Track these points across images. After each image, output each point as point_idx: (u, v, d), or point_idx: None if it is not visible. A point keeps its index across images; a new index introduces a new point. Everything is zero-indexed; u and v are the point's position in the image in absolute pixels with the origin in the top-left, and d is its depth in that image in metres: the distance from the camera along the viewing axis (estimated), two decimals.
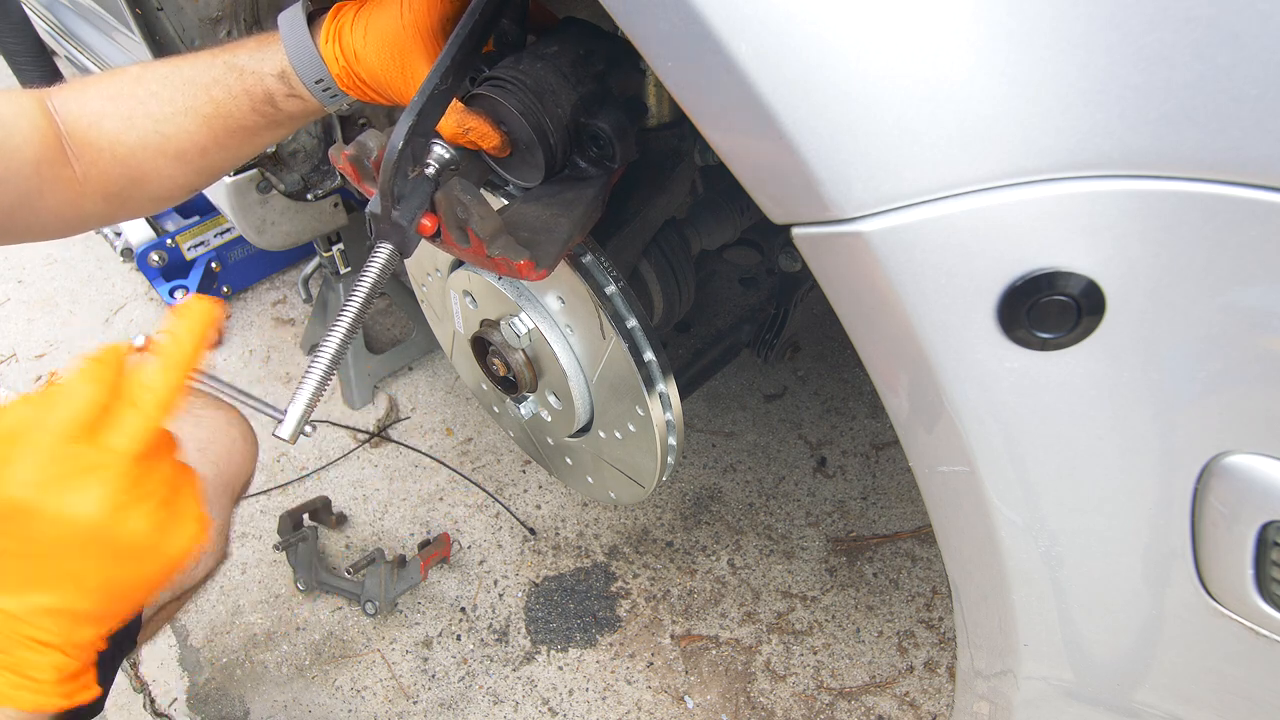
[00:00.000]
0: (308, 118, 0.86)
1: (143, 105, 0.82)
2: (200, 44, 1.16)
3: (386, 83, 0.78)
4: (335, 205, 1.58)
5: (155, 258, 1.97)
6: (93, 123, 0.81)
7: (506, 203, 0.85)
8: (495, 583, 1.58)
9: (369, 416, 1.89)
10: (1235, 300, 0.43)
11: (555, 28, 0.84)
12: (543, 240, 0.77)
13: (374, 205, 0.70)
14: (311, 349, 0.64)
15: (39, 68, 1.64)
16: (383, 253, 0.70)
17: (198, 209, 2.08)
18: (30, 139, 0.78)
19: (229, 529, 1.03)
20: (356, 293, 0.67)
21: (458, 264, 1.05)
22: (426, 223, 0.71)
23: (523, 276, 0.74)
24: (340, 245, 1.76)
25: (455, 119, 0.78)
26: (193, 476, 0.58)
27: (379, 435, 1.85)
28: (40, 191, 0.79)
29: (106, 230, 2.12)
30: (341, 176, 1.49)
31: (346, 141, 1.40)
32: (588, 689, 1.42)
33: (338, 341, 0.65)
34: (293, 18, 0.80)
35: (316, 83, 0.80)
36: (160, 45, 1.15)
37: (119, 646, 0.91)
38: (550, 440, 1.13)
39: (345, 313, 0.66)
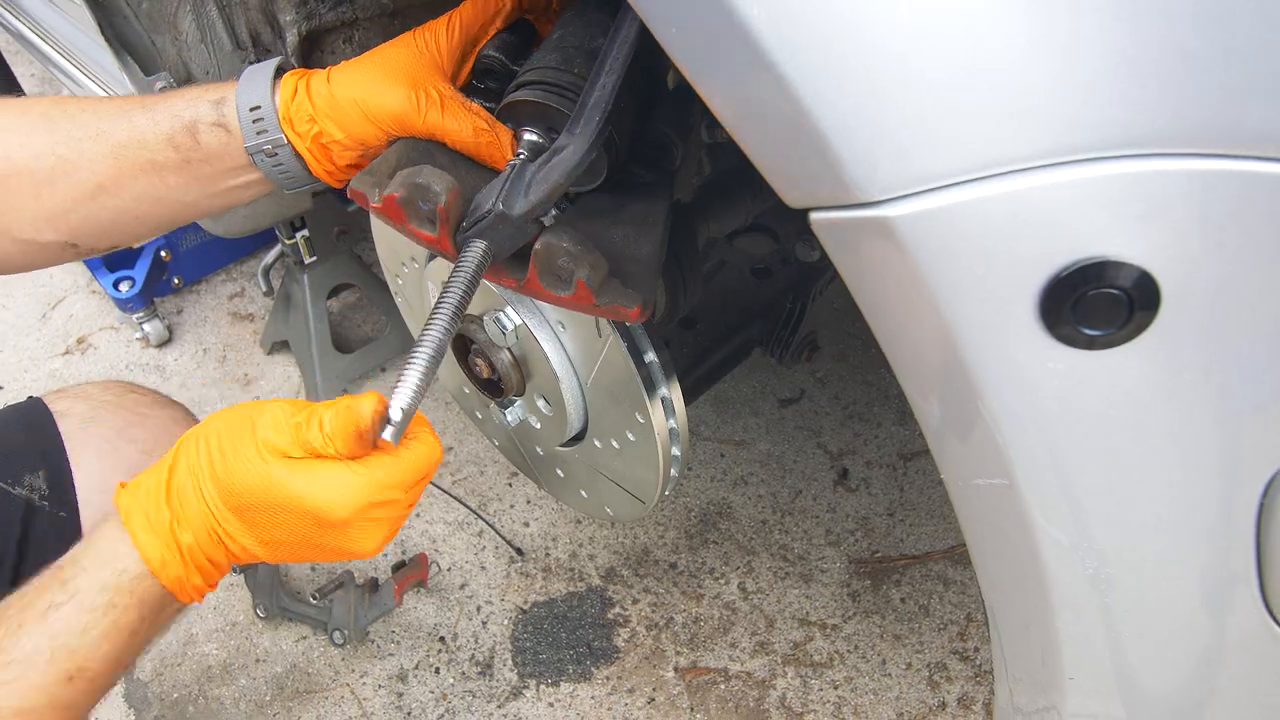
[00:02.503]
0: (223, 173, 0.81)
1: (49, 119, 0.79)
2: (147, 6, 1.16)
3: (376, 107, 0.76)
4: None
5: None
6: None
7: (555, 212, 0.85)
8: (478, 609, 1.58)
9: None
10: None
11: (574, 12, 0.84)
12: (634, 271, 0.76)
13: (499, 202, 0.71)
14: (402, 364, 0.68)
15: None
16: (477, 249, 0.70)
17: None
18: None
19: None
20: (451, 292, 0.69)
21: (433, 256, 1.05)
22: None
23: (633, 321, 0.75)
24: (305, 232, 1.76)
25: (472, 128, 0.77)
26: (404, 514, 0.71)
27: None
28: None
29: None
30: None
31: None
32: None
33: (436, 338, 0.67)
34: (265, 63, 0.79)
35: (251, 109, 0.77)
36: (103, 7, 1.15)
37: None
38: (540, 450, 1.13)
39: (440, 312, 0.68)
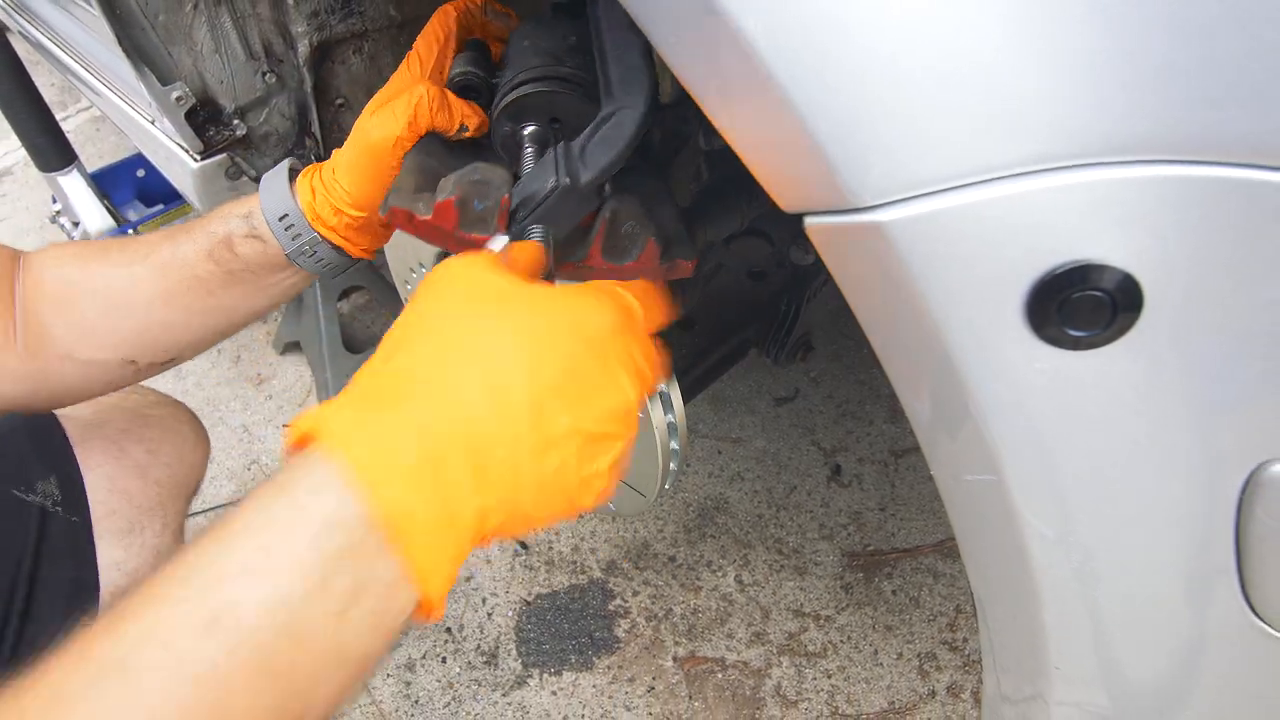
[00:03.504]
0: (264, 275, 0.81)
1: (103, 251, 0.82)
2: (164, 19, 1.16)
3: (381, 159, 0.76)
4: None
5: None
6: (49, 268, 0.80)
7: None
8: (484, 601, 1.58)
9: None
10: None
11: (532, 23, 0.84)
12: (658, 231, 0.74)
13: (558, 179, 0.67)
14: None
15: None
16: (537, 234, 0.68)
17: (162, 197, 2.08)
18: None
19: (184, 534, 1.04)
20: None
21: (443, 256, 1.05)
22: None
23: (686, 274, 0.75)
24: None
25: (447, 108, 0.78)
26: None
27: None
28: None
29: (63, 220, 2.12)
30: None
31: (323, 125, 1.40)
32: (584, 715, 1.42)
33: None
34: (276, 169, 0.81)
35: (280, 219, 0.79)
36: (121, 19, 1.15)
37: None
38: None
39: None
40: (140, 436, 0.99)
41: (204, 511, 1.76)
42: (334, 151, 0.80)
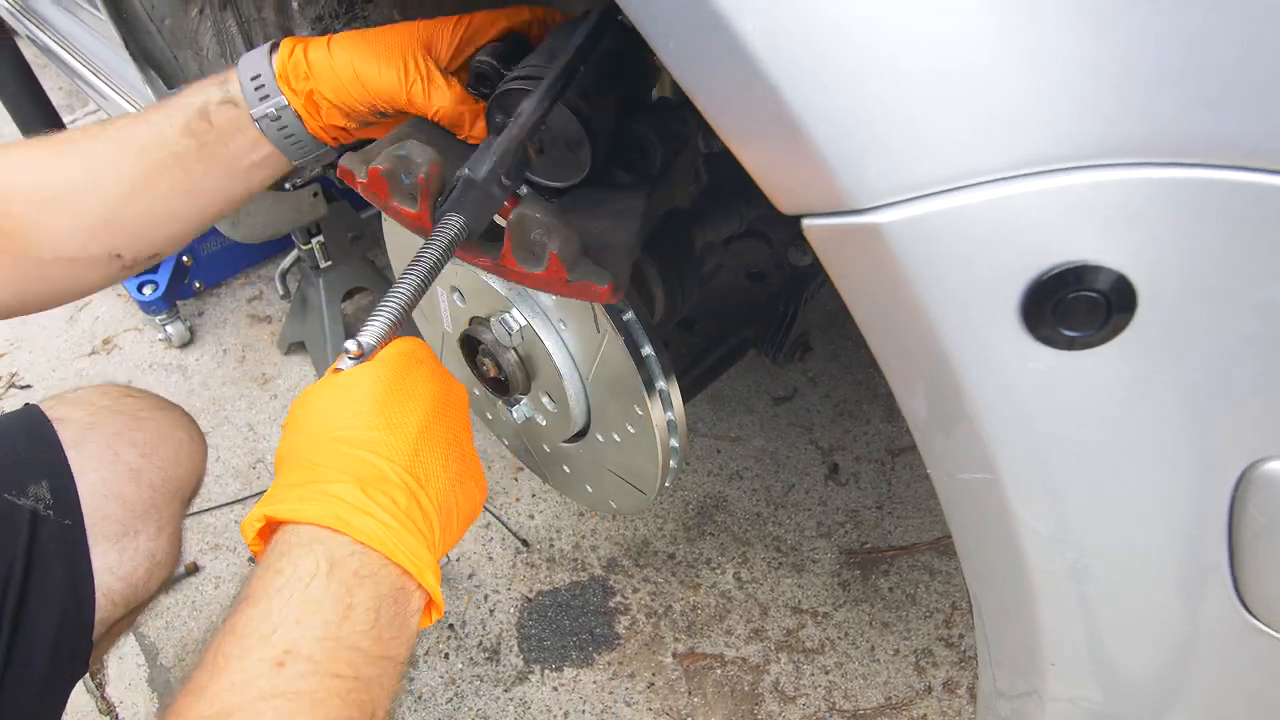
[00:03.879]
0: (239, 150, 0.82)
1: (76, 141, 0.80)
2: (170, 23, 1.16)
3: (367, 77, 0.77)
4: (315, 195, 1.58)
5: None
6: (21, 165, 0.79)
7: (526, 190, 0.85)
8: (486, 598, 1.58)
9: None
10: (1275, 296, 0.43)
11: (576, 20, 0.84)
12: (609, 255, 0.75)
13: (473, 169, 0.69)
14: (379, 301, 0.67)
15: None
16: (452, 221, 0.68)
17: None
18: None
19: (179, 537, 1.03)
20: (422, 261, 0.67)
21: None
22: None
23: (603, 301, 0.73)
24: (320, 238, 1.76)
25: (453, 98, 0.78)
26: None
27: None
28: None
29: None
30: (344, 191, 1.48)
31: None
32: (584, 711, 1.42)
33: (408, 289, 0.65)
34: (257, 50, 0.80)
35: (253, 79, 0.78)
36: (127, 23, 1.15)
37: (69, 670, 0.90)
38: (546, 446, 1.13)
39: (410, 273, 0.66)
40: (134, 440, 0.98)
41: (209, 510, 1.76)
42: (334, 37, 0.80)
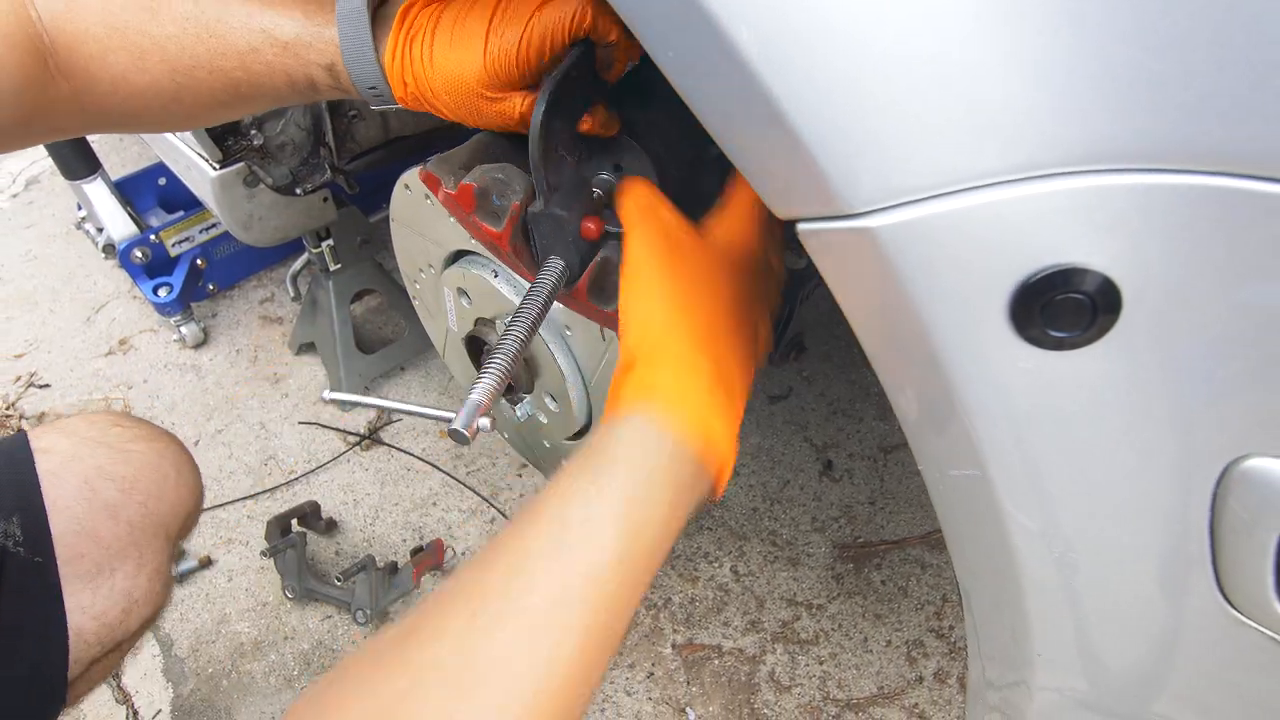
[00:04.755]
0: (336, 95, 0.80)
1: (159, 47, 0.74)
2: None
3: (464, 116, 0.73)
4: (325, 200, 1.58)
5: (138, 254, 1.97)
6: (95, 54, 0.73)
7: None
8: None
9: (360, 418, 1.89)
10: (1255, 298, 0.43)
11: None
12: None
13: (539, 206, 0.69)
14: (486, 355, 0.67)
15: None
16: (554, 266, 0.68)
17: (182, 204, 2.08)
18: (12, 70, 0.70)
19: (164, 573, 0.96)
20: (528, 307, 0.66)
21: (452, 260, 1.05)
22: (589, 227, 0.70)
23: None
24: (330, 241, 1.76)
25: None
26: None
27: (370, 438, 1.85)
28: (27, 120, 0.74)
29: (88, 226, 2.12)
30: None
31: (337, 135, 1.39)
32: None
33: (514, 343, 0.65)
34: (355, 16, 0.73)
35: (370, 88, 0.74)
36: None
37: (44, 710, 0.86)
38: (548, 444, 1.13)
39: (519, 321, 0.66)
40: (114, 474, 0.92)
41: (222, 505, 1.76)
42: (434, 43, 0.72)
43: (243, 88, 0.76)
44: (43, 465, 0.90)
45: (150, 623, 0.98)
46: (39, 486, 0.88)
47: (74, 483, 0.90)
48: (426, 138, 1.48)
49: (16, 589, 0.84)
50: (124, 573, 0.91)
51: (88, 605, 0.89)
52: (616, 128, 0.78)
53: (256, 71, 0.75)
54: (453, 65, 0.72)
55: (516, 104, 0.73)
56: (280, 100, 0.79)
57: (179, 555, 1.66)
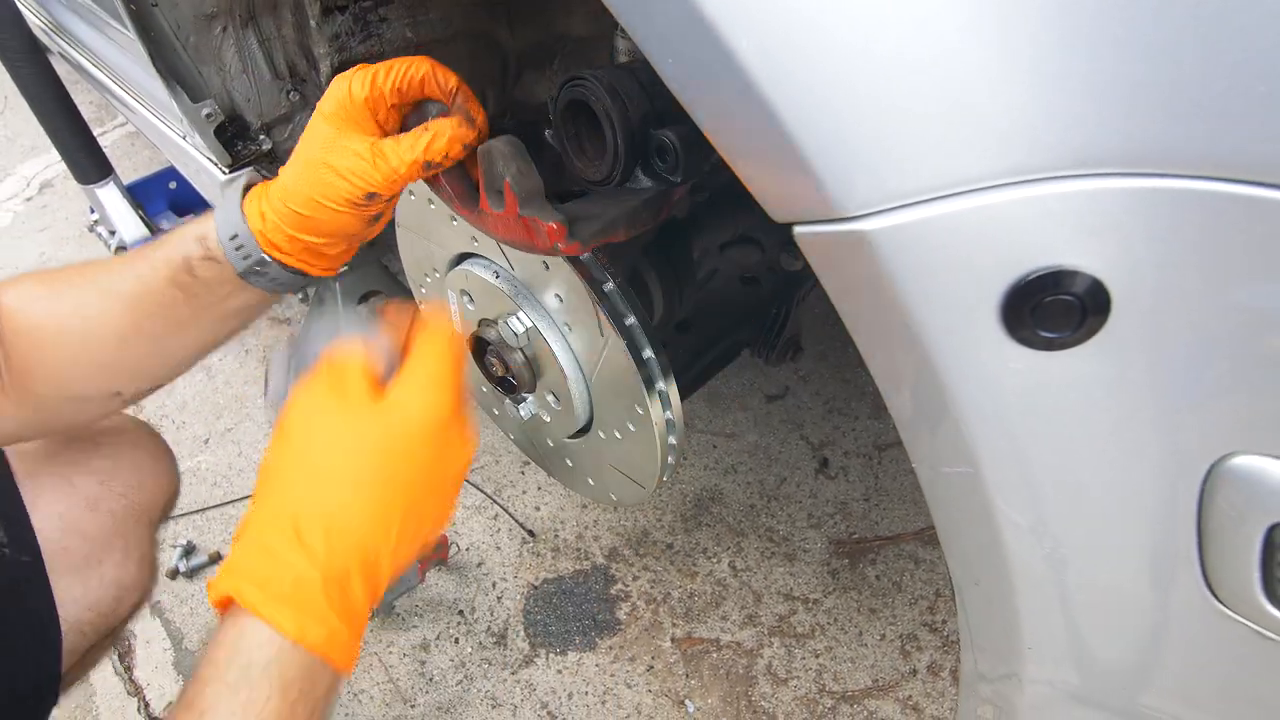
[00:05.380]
0: (227, 296, 0.77)
1: (70, 285, 0.76)
2: (195, 40, 1.16)
3: (328, 192, 0.71)
4: None
5: None
6: (21, 307, 0.75)
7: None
8: (494, 585, 1.58)
9: None
10: (1241, 300, 0.43)
11: None
12: (581, 221, 0.73)
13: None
14: None
15: (31, 62, 1.64)
16: None
17: (193, 207, 2.08)
18: None
19: (151, 559, 0.97)
20: None
21: (456, 262, 1.05)
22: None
23: (551, 244, 0.71)
24: None
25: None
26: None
27: None
28: None
29: (101, 229, 2.12)
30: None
31: None
32: (587, 692, 1.42)
33: None
34: (233, 184, 0.76)
35: (231, 239, 0.73)
36: (155, 41, 1.15)
37: (39, 702, 0.87)
38: (550, 441, 1.13)
39: None
40: (90, 468, 0.93)
41: (231, 502, 1.76)
42: (280, 179, 0.74)
43: (136, 304, 0.75)
44: (17, 466, 0.90)
45: (139, 608, 0.98)
46: (15, 487, 0.89)
47: (51, 480, 0.90)
48: None
49: (7, 592, 0.84)
50: (112, 562, 0.92)
51: (80, 597, 0.89)
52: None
53: (143, 275, 0.75)
54: (301, 154, 0.72)
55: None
56: (168, 311, 0.76)
57: (189, 551, 1.66)
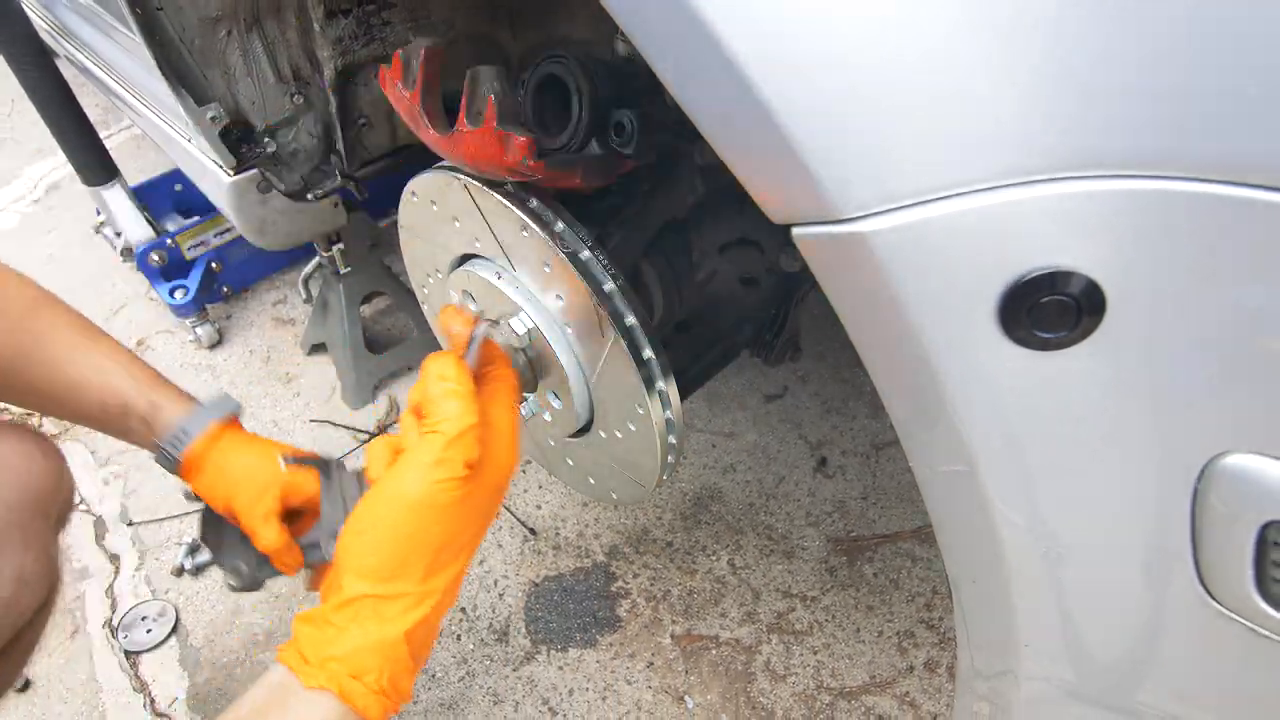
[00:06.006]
0: (124, 433, 0.92)
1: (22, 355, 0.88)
2: (200, 44, 1.16)
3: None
4: (335, 205, 1.58)
5: (155, 258, 1.97)
6: None
7: None
8: (495, 582, 1.58)
9: (369, 417, 1.89)
10: (1235, 300, 0.43)
11: None
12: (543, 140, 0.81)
13: None
14: None
15: (37, 67, 1.64)
16: None
17: (198, 209, 2.08)
18: None
19: (54, 556, 0.95)
20: None
21: (459, 263, 1.05)
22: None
23: (520, 157, 0.75)
24: (340, 245, 1.76)
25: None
26: None
27: (379, 435, 1.85)
28: None
29: (107, 230, 2.12)
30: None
31: (347, 143, 1.40)
32: (588, 689, 1.42)
33: None
34: (226, 403, 0.93)
35: (176, 445, 0.89)
36: (160, 44, 1.15)
37: None
38: (551, 441, 1.13)
39: None
40: None
41: None
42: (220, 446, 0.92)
43: (64, 403, 0.88)
44: None
45: (47, 610, 0.96)
46: None
47: None
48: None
49: None
50: (9, 552, 0.89)
51: None
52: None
53: (83, 398, 0.90)
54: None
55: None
56: (76, 412, 0.91)
57: (194, 549, 1.66)
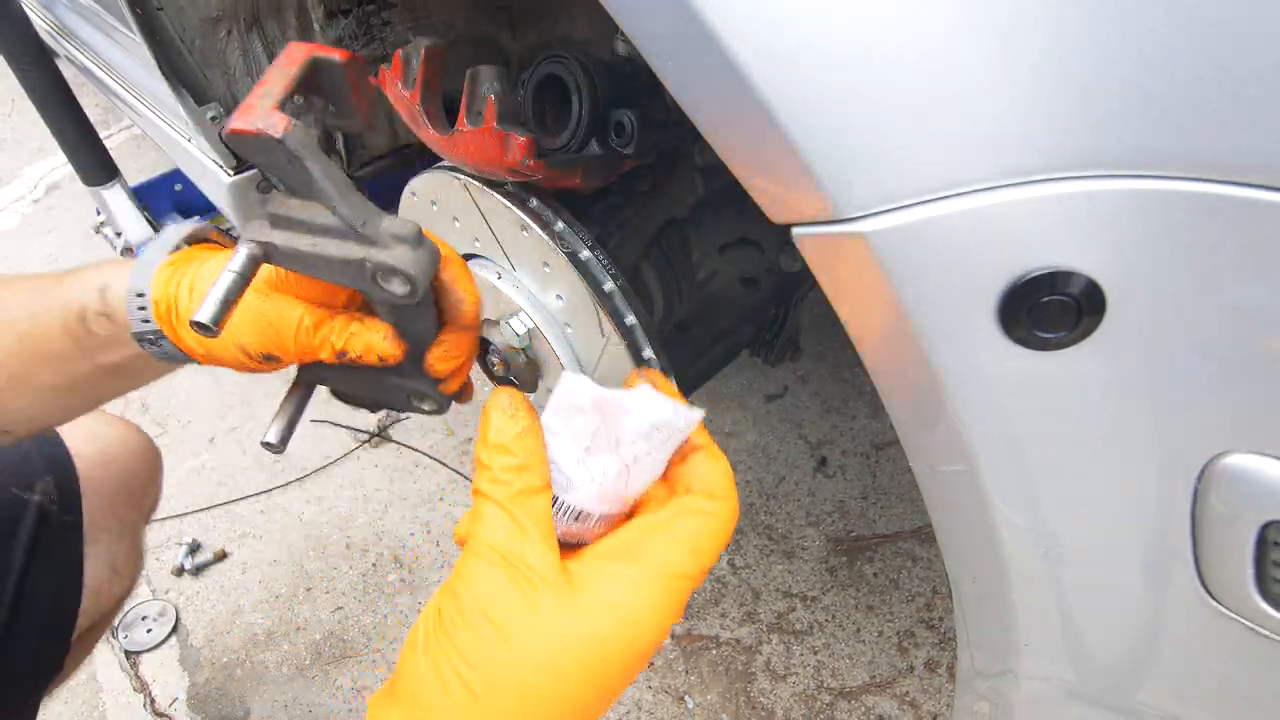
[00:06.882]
0: (116, 352, 0.68)
1: None
2: (200, 44, 1.16)
3: (238, 337, 0.64)
4: None
5: None
6: None
7: None
8: None
9: (369, 416, 1.89)
10: (1235, 300, 0.43)
11: None
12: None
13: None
14: None
15: (38, 67, 1.64)
16: None
17: (198, 209, 2.08)
18: None
19: (140, 547, 0.97)
20: None
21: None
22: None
23: (520, 157, 0.74)
24: None
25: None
26: None
27: (379, 435, 1.85)
28: None
29: (107, 230, 2.12)
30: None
31: (347, 142, 1.40)
32: None
33: None
34: (159, 240, 0.68)
35: (138, 295, 0.64)
36: (160, 44, 1.15)
37: (47, 670, 0.88)
38: None
39: None
40: (86, 454, 0.93)
41: (237, 500, 1.76)
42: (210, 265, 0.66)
43: (25, 344, 0.67)
44: (68, 439, 0.91)
45: (123, 599, 0.98)
46: (68, 452, 0.89)
47: (96, 456, 0.91)
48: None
49: (50, 546, 0.85)
50: (106, 539, 0.92)
51: (105, 554, 0.91)
52: None
53: (38, 315, 0.67)
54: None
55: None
56: (59, 361, 0.69)
57: (195, 549, 1.66)
